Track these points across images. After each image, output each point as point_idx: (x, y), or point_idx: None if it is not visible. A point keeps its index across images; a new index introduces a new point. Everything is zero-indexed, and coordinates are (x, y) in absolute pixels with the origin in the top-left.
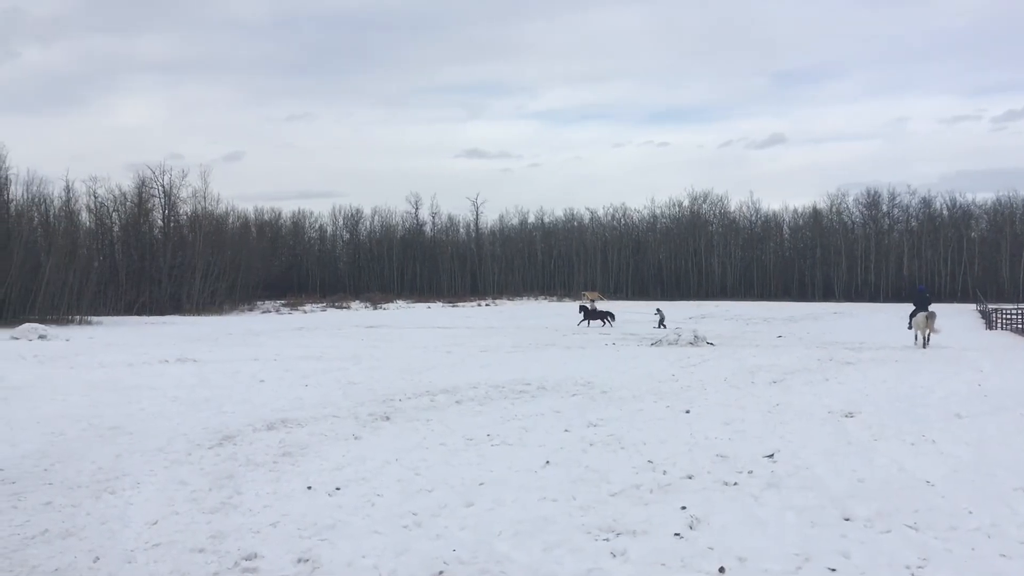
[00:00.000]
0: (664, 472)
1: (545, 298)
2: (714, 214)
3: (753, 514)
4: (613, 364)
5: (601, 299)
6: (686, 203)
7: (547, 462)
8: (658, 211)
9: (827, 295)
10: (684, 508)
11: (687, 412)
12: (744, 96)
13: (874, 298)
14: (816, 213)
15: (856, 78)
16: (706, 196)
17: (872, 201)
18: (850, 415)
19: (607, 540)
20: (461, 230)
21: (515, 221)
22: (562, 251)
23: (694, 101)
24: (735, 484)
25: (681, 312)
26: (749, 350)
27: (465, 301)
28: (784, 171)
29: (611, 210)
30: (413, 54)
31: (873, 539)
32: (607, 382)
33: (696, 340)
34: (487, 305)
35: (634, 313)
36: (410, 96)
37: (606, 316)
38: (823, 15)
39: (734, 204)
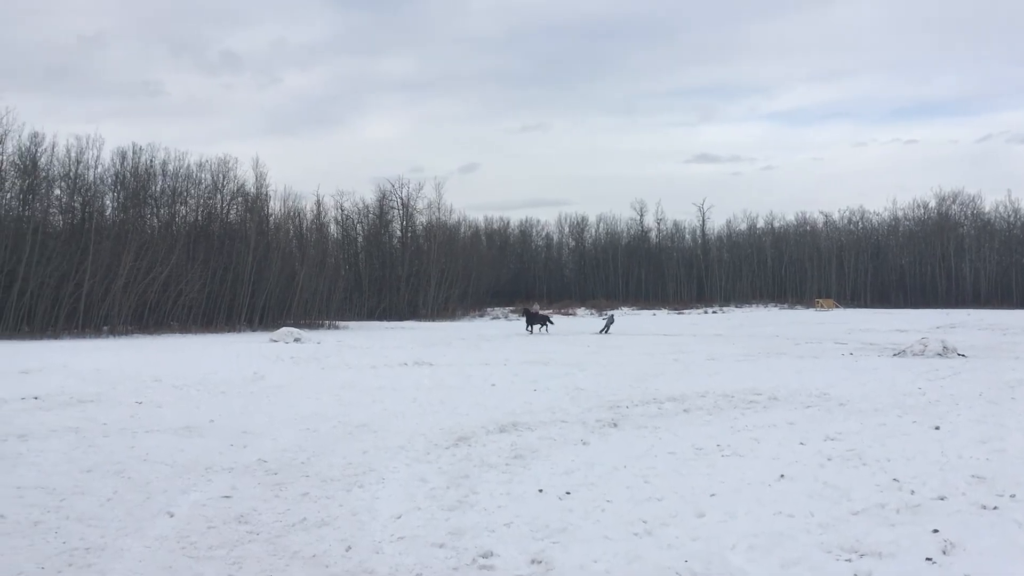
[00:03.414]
0: (912, 492)
1: (775, 305)
2: (965, 215)
3: (1017, 542)
4: (851, 375)
5: (836, 307)
6: (932, 204)
7: (781, 475)
8: (900, 213)
9: None
10: (936, 531)
11: (936, 428)
12: (1008, 85)
13: None
14: None
15: None
16: (955, 196)
17: None
18: None
19: (849, 561)
20: (687, 236)
21: (743, 226)
22: (793, 256)
23: (948, 93)
24: (995, 508)
25: (927, 321)
26: (1008, 363)
27: (691, 308)
28: None
29: (847, 213)
30: (644, 59)
31: None
32: (845, 394)
33: (945, 351)
34: (714, 312)
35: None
36: (640, 102)
37: (546, 321)
38: None
39: (988, 204)
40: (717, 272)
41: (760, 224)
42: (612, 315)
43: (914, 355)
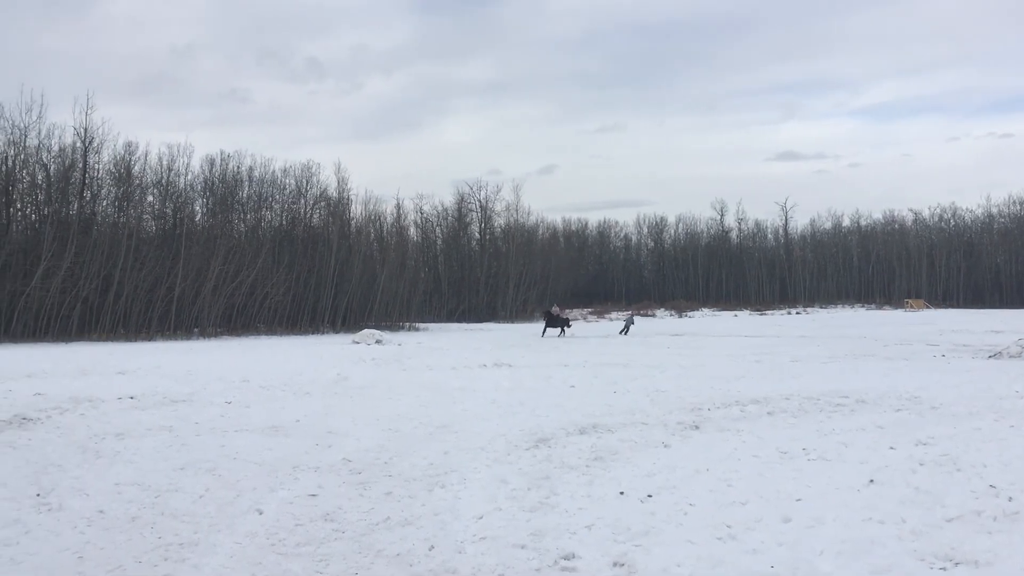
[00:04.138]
0: (1010, 499)
1: (862, 306)
2: None
3: None
4: (942, 377)
5: (927, 307)
6: None
7: (871, 480)
8: (995, 210)
9: None
10: None
11: None
12: None
13: None
14: None
15: None
16: None
17: None
18: None
19: (944, 569)
20: (769, 236)
21: (828, 225)
22: (880, 256)
23: None
24: None
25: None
26: None
27: (773, 309)
28: None
29: (938, 210)
30: (725, 57)
31: None
32: (936, 397)
33: None
34: (797, 313)
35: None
36: (721, 100)
37: (565, 324)
38: None
39: None
40: (800, 272)
41: (846, 223)
42: (632, 315)
43: (1011, 357)
